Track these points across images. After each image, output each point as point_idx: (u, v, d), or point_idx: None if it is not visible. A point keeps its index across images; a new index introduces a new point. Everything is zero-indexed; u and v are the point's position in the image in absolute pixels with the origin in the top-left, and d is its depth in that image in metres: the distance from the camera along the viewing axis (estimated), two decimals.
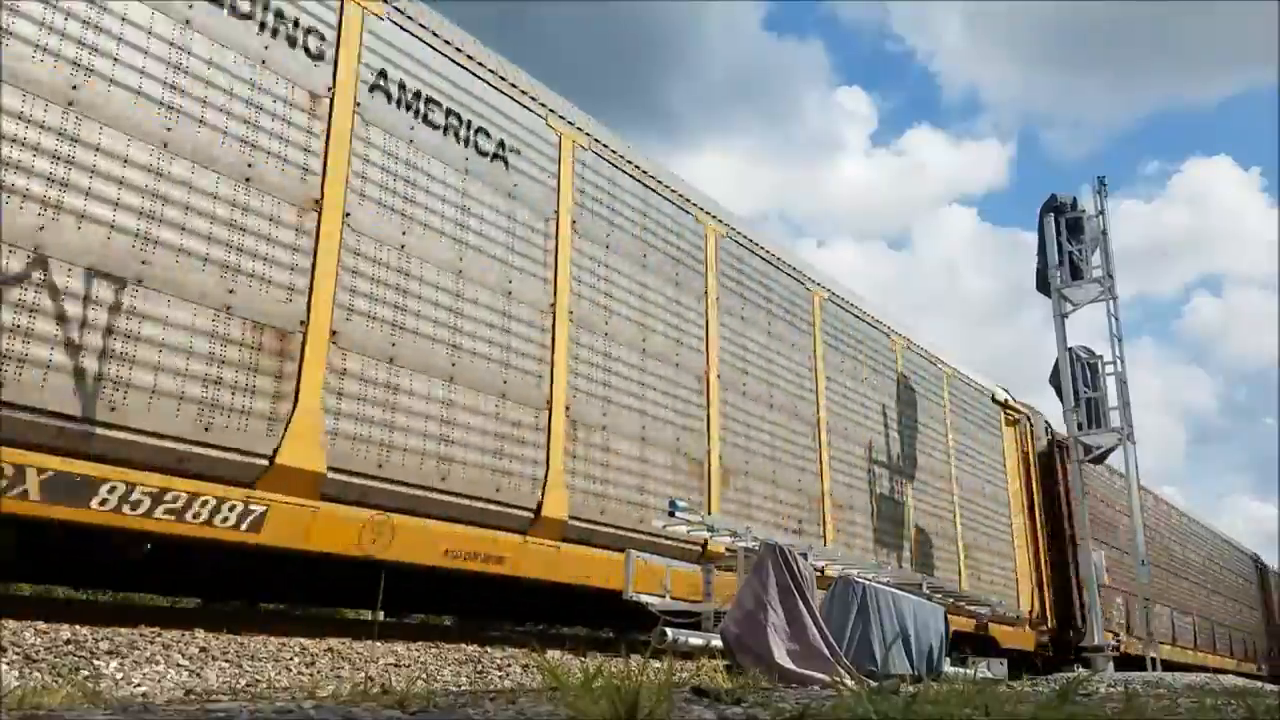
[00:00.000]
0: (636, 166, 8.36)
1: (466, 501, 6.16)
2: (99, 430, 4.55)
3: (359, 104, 6.02)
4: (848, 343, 11.02)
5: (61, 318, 4.53)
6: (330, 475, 5.42)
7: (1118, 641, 14.72)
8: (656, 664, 5.40)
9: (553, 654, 6.46)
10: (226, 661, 4.38)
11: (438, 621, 9.27)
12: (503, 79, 7.13)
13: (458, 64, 6.78)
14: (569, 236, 7.43)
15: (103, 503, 4.53)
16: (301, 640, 5.07)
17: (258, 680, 4.26)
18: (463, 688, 4.94)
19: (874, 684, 4.07)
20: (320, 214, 5.66)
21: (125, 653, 4.11)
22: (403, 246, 6.15)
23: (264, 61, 5.57)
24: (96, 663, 3.93)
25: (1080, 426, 14.01)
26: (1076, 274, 14.39)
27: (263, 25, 5.60)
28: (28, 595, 6.57)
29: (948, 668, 8.03)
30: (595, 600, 7.08)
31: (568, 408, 7.08)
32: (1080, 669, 11.98)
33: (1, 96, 4.44)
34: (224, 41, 5.40)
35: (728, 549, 7.53)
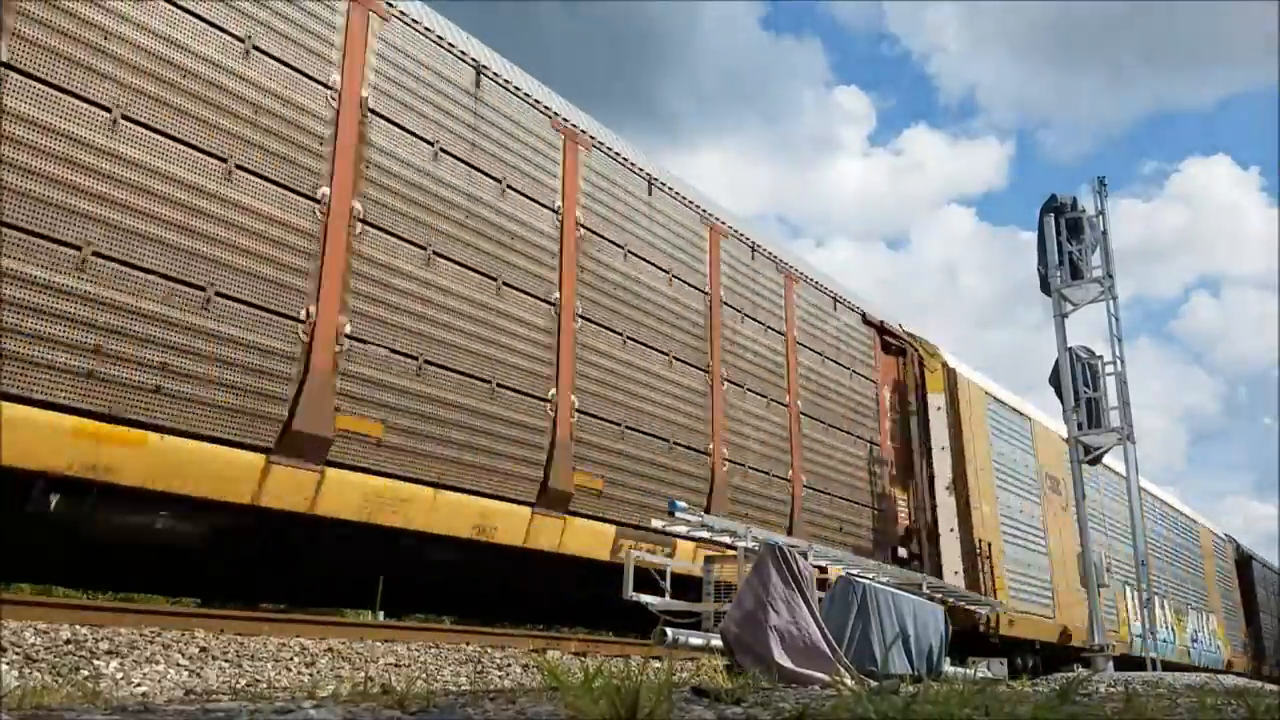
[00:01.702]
0: None
1: None
2: None
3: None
4: None
5: None
6: None
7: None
8: (657, 664, 5.40)
9: (553, 654, 6.47)
10: (226, 661, 4.38)
11: (438, 623, 9.28)
12: None
13: None
14: None
15: None
16: (301, 640, 5.07)
17: (258, 680, 4.26)
18: (463, 688, 4.94)
19: (874, 684, 4.07)
20: None
21: (125, 653, 4.11)
22: None
23: None
24: (96, 663, 3.93)
25: (1080, 426, 14.02)
26: (1076, 274, 14.40)
27: None
28: (28, 595, 6.57)
29: (948, 668, 8.03)
30: None
31: None
32: (1080, 669, 11.98)
33: None
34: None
35: None
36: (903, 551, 11.02)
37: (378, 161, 6.40)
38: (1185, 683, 8.15)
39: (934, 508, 12.00)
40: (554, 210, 7.73)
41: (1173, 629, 18.89)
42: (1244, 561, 25.88)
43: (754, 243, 10.09)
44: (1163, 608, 18.19)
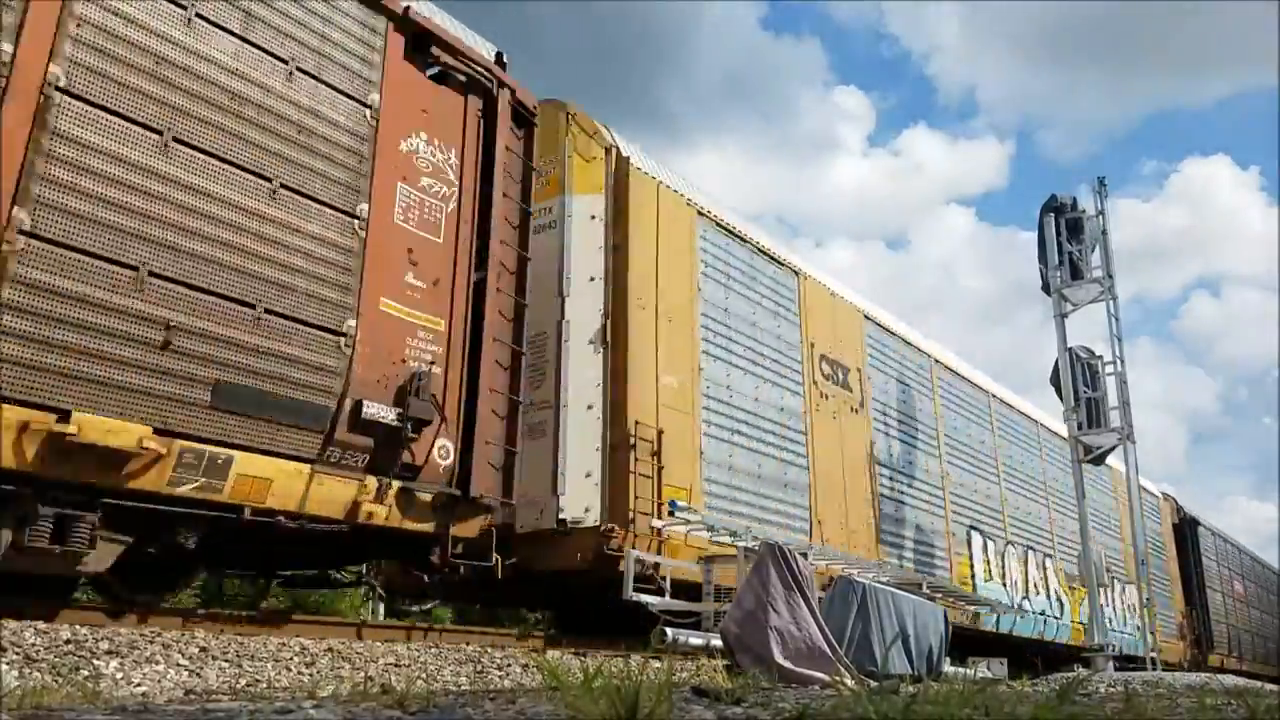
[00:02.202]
0: None
1: None
2: None
3: None
4: None
5: None
6: None
7: None
8: (656, 664, 5.40)
9: (553, 654, 6.47)
10: (226, 661, 4.38)
11: (438, 623, 9.28)
12: None
13: None
14: None
15: None
16: (301, 640, 5.07)
17: (258, 680, 4.26)
18: (463, 688, 4.94)
19: (874, 684, 4.08)
20: None
21: (125, 653, 4.10)
22: None
23: None
24: (96, 663, 3.93)
25: (1080, 426, 14.02)
26: (1076, 274, 14.42)
27: None
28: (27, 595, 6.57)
29: (948, 668, 8.04)
30: None
31: None
32: (1080, 669, 11.98)
33: None
34: None
35: None
36: (378, 409, 5.62)
37: None
38: (1186, 683, 8.15)
39: (552, 364, 7.50)
40: None
41: (1063, 600, 14.69)
42: (1186, 525, 21.06)
43: None
44: (1040, 567, 14.30)
